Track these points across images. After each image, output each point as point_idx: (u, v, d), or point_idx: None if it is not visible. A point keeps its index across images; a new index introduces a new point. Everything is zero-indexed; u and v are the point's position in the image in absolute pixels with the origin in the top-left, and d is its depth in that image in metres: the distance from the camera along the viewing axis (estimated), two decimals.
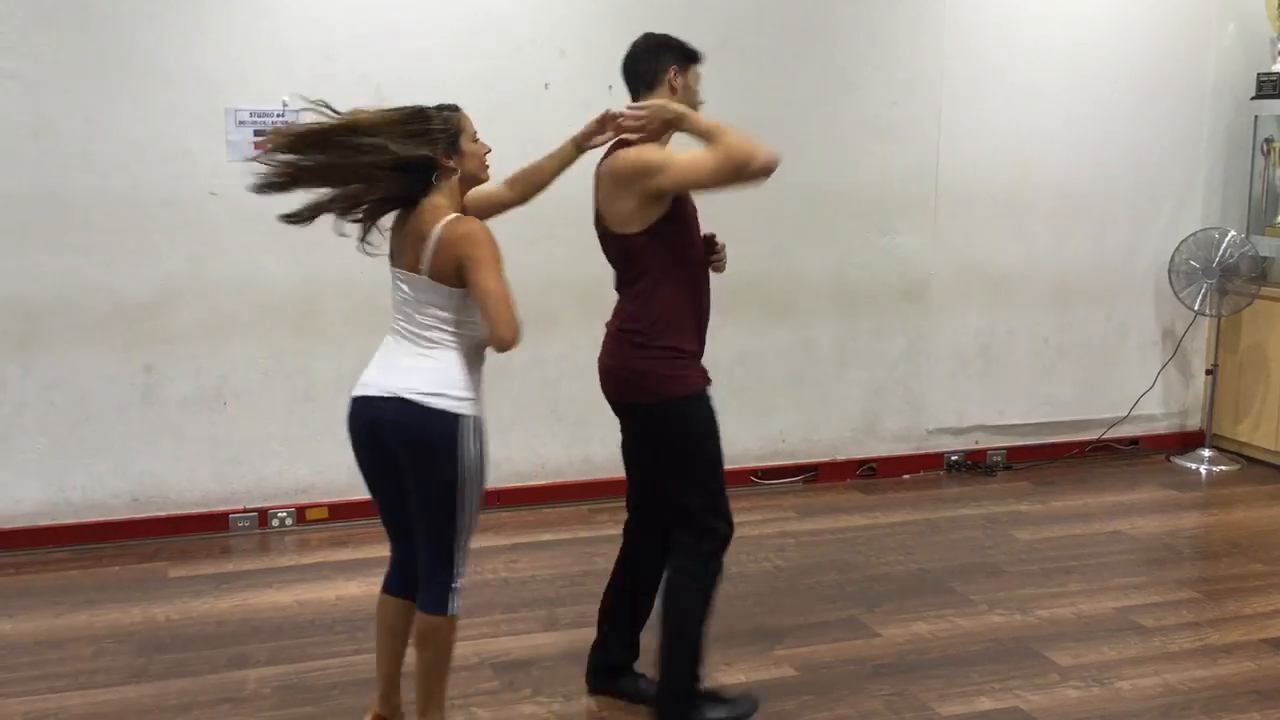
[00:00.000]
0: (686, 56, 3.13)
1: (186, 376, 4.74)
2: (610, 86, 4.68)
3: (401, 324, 2.94)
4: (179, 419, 4.76)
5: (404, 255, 2.90)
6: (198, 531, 4.81)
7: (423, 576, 2.94)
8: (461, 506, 2.87)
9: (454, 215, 2.85)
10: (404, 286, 2.91)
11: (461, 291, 2.82)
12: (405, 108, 2.92)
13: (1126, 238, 6.05)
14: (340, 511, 4.92)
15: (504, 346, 2.75)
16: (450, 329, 2.87)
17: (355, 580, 4.35)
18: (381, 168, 2.82)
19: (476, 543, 4.69)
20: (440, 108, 2.95)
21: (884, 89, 5.49)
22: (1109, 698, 3.54)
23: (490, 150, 3.03)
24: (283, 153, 2.84)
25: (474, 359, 2.92)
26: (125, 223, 4.58)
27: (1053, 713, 3.44)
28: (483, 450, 2.88)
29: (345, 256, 4.82)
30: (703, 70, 3.19)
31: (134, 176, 4.56)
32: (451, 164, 2.90)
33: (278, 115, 4.66)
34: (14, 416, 4.57)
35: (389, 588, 3.10)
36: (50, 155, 4.46)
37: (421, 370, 2.85)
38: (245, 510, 4.89)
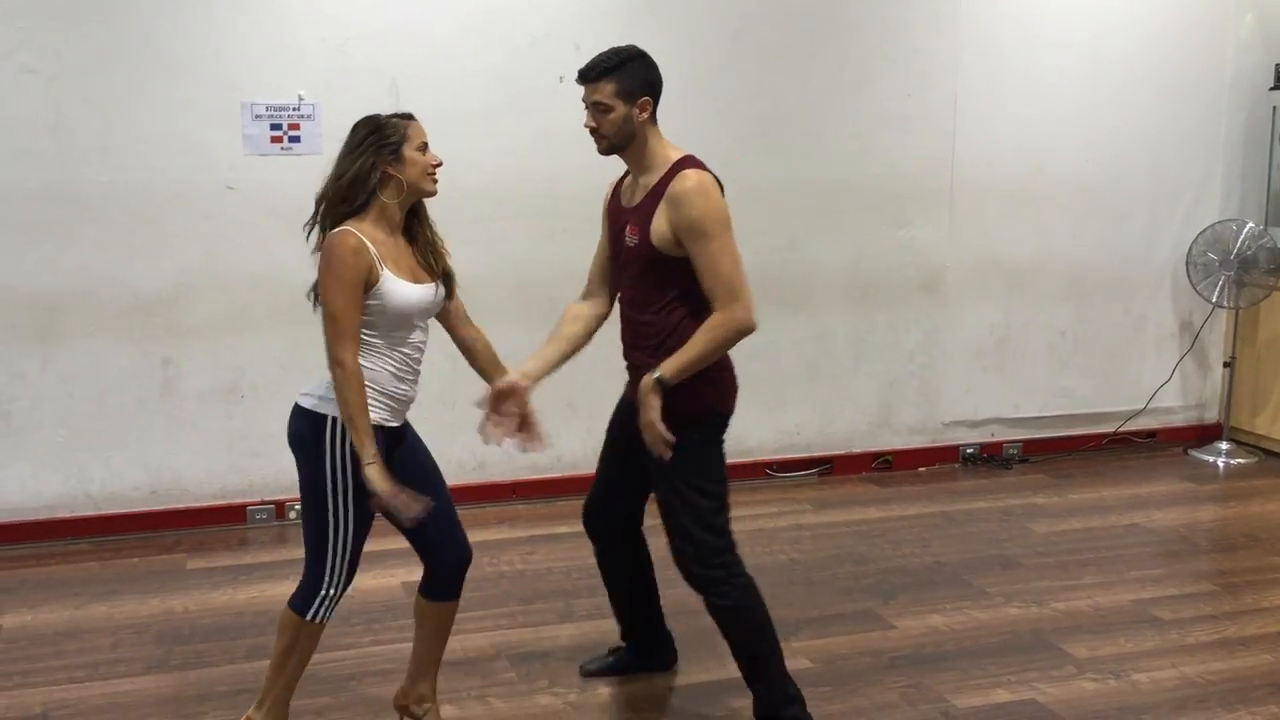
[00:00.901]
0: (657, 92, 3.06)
1: (204, 369, 4.77)
2: (561, 78, 4.72)
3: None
4: (197, 412, 4.79)
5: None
6: (216, 524, 4.84)
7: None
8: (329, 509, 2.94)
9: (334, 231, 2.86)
10: None
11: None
12: (358, 121, 2.92)
13: (1144, 230, 6.02)
14: None
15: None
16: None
17: (371, 573, 4.36)
18: (333, 183, 2.88)
19: (493, 534, 4.75)
20: (391, 116, 2.90)
21: (900, 81, 5.48)
22: (1125, 690, 3.54)
23: (440, 164, 2.92)
24: None
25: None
26: (142, 217, 4.60)
27: (1069, 705, 3.43)
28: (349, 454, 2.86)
29: None
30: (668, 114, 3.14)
31: (151, 171, 4.58)
32: (391, 171, 2.85)
33: (293, 109, 4.68)
34: (33, 409, 4.61)
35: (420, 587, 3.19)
36: (67, 150, 4.49)
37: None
38: (263, 503, 4.91)
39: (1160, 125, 5.93)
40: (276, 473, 4.91)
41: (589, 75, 2.99)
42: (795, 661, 3.69)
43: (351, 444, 2.82)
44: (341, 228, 2.85)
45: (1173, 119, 5.95)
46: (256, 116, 4.66)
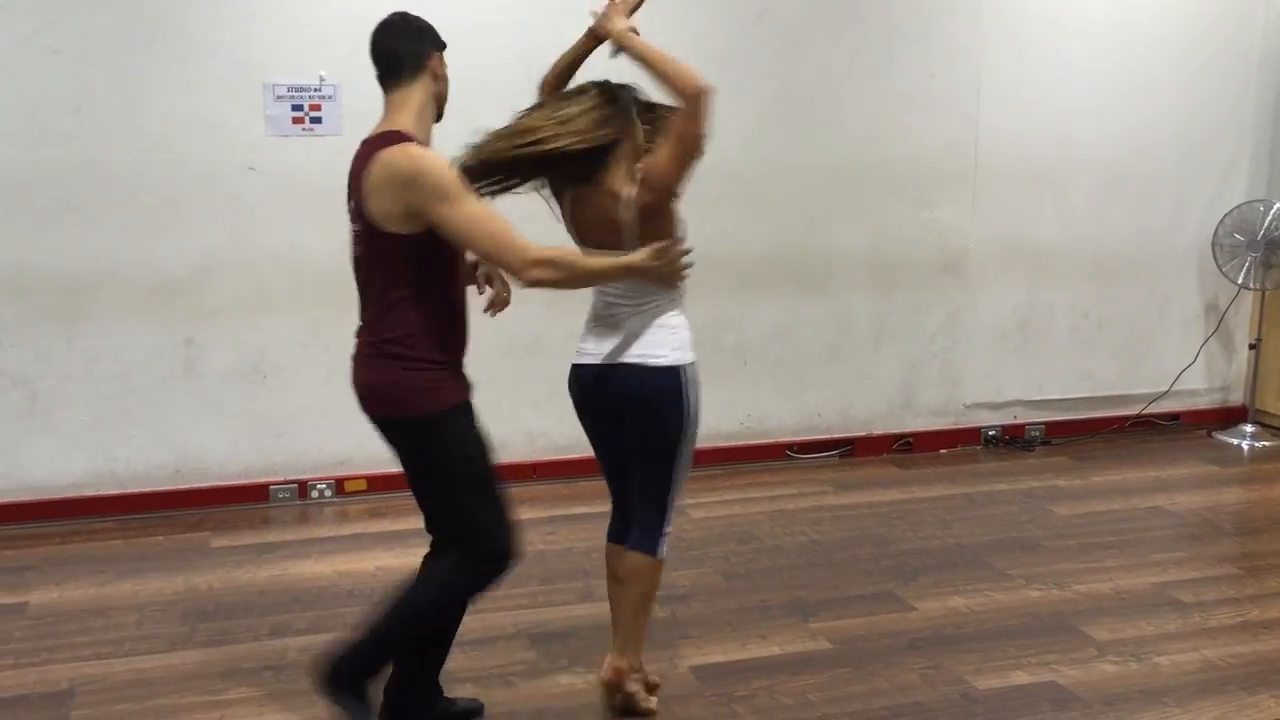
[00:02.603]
0: (439, 44, 2.98)
1: (226, 350, 4.80)
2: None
3: (611, 294, 3.04)
4: (219, 392, 4.82)
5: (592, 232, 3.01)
6: (239, 502, 4.88)
7: (638, 520, 3.11)
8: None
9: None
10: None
11: None
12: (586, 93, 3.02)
13: (1169, 210, 5.97)
14: (378, 484, 4.97)
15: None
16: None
17: (394, 551, 4.39)
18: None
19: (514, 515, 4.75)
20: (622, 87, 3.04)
21: (923, 61, 5.44)
22: (1147, 673, 3.53)
23: None
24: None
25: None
26: (165, 197, 4.63)
27: (1089, 687, 3.43)
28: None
29: None
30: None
31: (173, 152, 4.60)
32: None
33: (315, 90, 4.69)
34: (59, 389, 4.65)
35: (616, 538, 3.22)
36: (92, 130, 4.51)
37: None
38: (285, 482, 4.95)
39: (1187, 105, 5.87)
40: (298, 453, 4.94)
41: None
42: (815, 642, 3.70)
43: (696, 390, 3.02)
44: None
45: (1200, 98, 5.89)
46: (278, 97, 4.67)
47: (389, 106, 2.89)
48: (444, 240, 2.76)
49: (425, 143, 2.85)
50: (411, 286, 2.80)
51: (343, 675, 2.91)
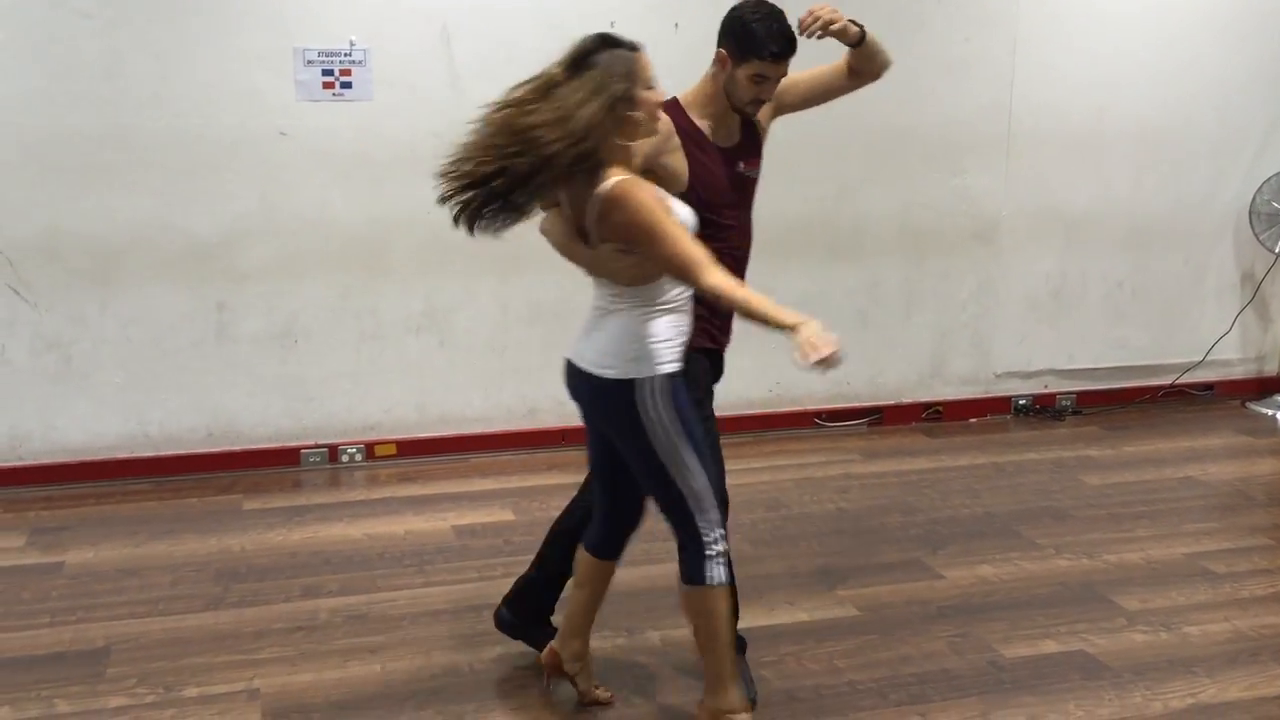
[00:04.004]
0: (744, 50, 2.90)
1: (258, 314, 4.83)
2: (612, 23, 4.65)
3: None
4: (251, 356, 4.85)
5: None
6: (271, 466, 4.92)
7: (677, 540, 2.86)
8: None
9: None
10: None
11: None
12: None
13: (1206, 178, 5.89)
14: (408, 448, 5.00)
15: None
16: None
17: (424, 515, 4.43)
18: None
19: (542, 480, 4.79)
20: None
21: (957, 25, 5.37)
22: (1176, 643, 3.51)
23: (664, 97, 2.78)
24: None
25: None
26: (197, 162, 4.64)
27: (1119, 656, 3.42)
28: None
29: (413, 196, 4.87)
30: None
31: (205, 116, 4.61)
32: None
33: (345, 55, 4.68)
34: (94, 352, 4.69)
35: (587, 543, 3.07)
36: (124, 95, 4.53)
37: None
38: (316, 446, 4.98)
39: (1226, 70, 5.77)
40: (329, 417, 4.98)
41: (790, 52, 2.96)
42: (843, 609, 3.70)
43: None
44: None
45: (1239, 64, 5.78)
46: (309, 62, 4.67)
47: None
48: None
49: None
50: None
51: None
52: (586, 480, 3.23)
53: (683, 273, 2.60)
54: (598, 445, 2.99)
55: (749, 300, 2.58)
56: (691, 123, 2.99)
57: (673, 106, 2.96)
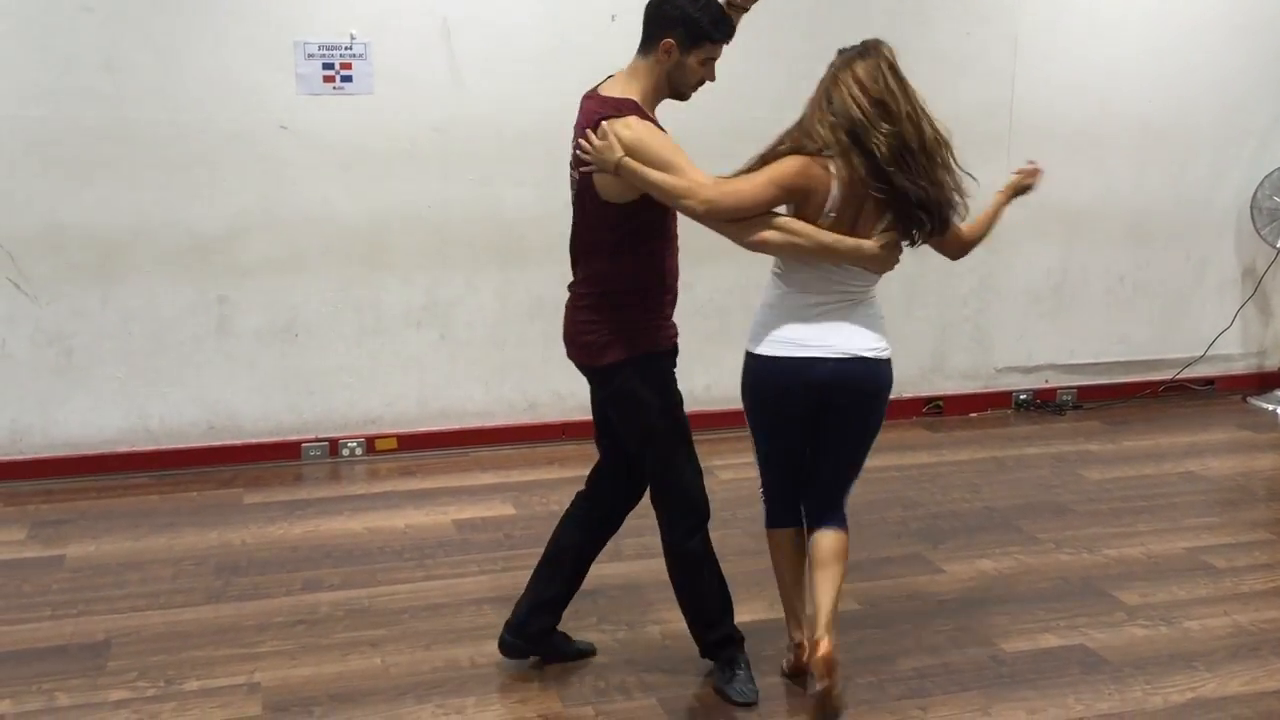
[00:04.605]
0: (694, 36, 2.92)
1: (258, 308, 4.82)
2: (613, 17, 4.66)
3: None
4: (252, 350, 4.85)
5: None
6: (271, 459, 4.92)
7: (833, 503, 3.19)
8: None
9: None
10: None
11: None
12: None
13: (1208, 173, 5.88)
14: (408, 442, 5.00)
15: None
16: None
17: (424, 509, 4.43)
18: None
19: (543, 474, 4.79)
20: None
21: (958, 19, 5.36)
22: (1177, 637, 3.51)
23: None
24: None
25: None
26: (197, 156, 4.64)
27: (1119, 651, 3.42)
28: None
29: (414, 190, 4.88)
30: (724, 50, 3.04)
31: (205, 110, 4.61)
32: None
33: (345, 49, 4.68)
34: (95, 346, 4.69)
35: (794, 522, 3.26)
36: (124, 88, 4.52)
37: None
38: (317, 440, 4.98)
39: (1228, 65, 5.76)
40: (329, 411, 4.98)
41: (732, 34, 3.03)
42: (843, 604, 3.68)
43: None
44: None
45: (1241, 59, 5.77)
46: (309, 56, 4.66)
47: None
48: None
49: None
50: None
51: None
52: (577, 497, 3.38)
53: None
54: (807, 437, 3.13)
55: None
56: (657, 121, 3.01)
57: (637, 108, 2.94)
